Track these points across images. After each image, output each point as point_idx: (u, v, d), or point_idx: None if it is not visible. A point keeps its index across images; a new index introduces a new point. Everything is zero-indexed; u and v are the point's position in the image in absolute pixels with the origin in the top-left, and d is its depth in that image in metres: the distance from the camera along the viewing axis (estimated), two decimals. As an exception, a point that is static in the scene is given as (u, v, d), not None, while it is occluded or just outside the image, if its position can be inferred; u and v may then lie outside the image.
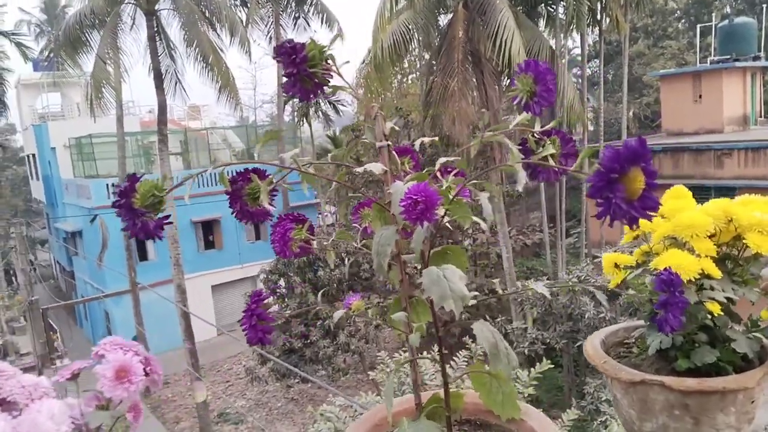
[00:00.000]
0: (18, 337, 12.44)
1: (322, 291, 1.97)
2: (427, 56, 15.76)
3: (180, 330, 13.85)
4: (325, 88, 0.95)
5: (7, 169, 32.24)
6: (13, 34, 22.05)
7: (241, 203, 1.02)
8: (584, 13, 13.81)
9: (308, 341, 13.08)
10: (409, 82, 20.13)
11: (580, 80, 17.14)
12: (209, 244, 20.73)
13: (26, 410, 0.58)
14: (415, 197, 0.73)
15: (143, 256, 19.71)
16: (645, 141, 0.59)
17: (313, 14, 20.04)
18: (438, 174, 1.00)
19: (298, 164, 0.87)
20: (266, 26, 19.67)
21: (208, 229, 20.41)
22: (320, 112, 19.25)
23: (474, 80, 13.76)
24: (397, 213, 0.80)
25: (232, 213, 1.02)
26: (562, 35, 15.07)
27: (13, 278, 24.49)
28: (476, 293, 0.91)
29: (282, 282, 13.81)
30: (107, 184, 18.74)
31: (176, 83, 14.61)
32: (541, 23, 14.96)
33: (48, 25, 26.10)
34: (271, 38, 19.85)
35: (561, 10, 14.39)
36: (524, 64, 0.77)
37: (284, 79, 0.95)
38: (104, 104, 14.30)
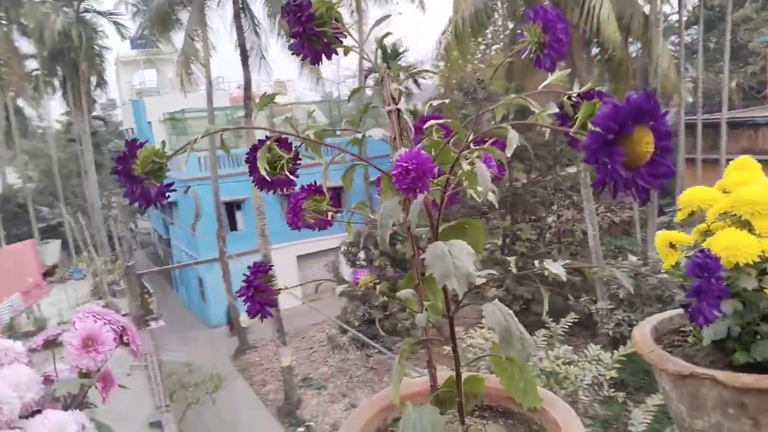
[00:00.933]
0: (119, 299, 13.39)
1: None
2: (511, 26, 15.20)
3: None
4: (335, 47, 0.90)
5: (109, 143, 34.37)
6: (111, 13, 23.25)
7: (259, 172, 0.98)
8: (684, -27, 12.82)
9: (388, 313, 13.23)
10: (493, 53, 19.55)
11: (677, 48, 15.98)
12: (295, 216, 21.29)
13: (-6, 376, 0.57)
14: (406, 165, 0.66)
15: (233, 226, 20.53)
16: (653, 94, 0.49)
17: (395, -16, 19.81)
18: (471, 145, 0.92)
19: (295, 129, 0.82)
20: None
21: (295, 201, 20.98)
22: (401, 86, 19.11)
23: (561, 49, 13.17)
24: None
25: (252, 182, 0.99)
26: (658, 0, 14.05)
27: (116, 245, 26.29)
28: (490, 272, 0.84)
29: (362, 254, 13.99)
30: (198, 158, 19.57)
31: (261, 58, 14.95)
32: (636, -14, 14.00)
33: (144, 4, 27.34)
34: (353, 11, 19.83)
35: (658, -29, 13.41)
36: (532, 12, 0.68)
37: (292, 40, 0.90)
38: (194, 80, 14.88)
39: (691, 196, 1.02)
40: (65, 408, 0.60)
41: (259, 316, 0.83)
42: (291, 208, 0.98)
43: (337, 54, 0.92)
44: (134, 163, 0.82)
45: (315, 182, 1.05)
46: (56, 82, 25.11)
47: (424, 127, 0.97)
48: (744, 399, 0.93)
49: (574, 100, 0.88)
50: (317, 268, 20.55)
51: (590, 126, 0.49)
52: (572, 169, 15.28)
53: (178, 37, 15.39)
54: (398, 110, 0.84)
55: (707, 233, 1.05)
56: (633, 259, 0.94)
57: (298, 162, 0.99)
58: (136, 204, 0.84)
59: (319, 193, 1.05)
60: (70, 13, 22.10)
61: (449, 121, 0.76)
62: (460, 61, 13.79)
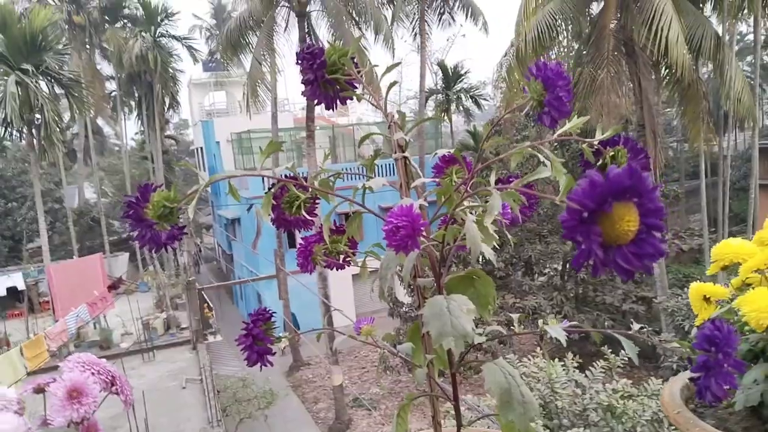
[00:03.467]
0: (180, 313, 13.83)
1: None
2: (576, 46, 14.95)
3: (321, 315, 14.53)
4: (347, 94, 0.90)
5: (180, 160, 35.86)
6: (185, 38, 24.36)
7: (278, 211, 0.99)
8: (758, -7, 12.29)
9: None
10: (557, 74, 19.22)
11: (752, 68, 15.26)
12: (352, 235, 21.48)
13: (-14, 422, 0.59)
14: (395, 222, 0.65)
15: (292, 243, 20.90)
16: (636, 170, 0.46)
17: (457, 9, 19.88)
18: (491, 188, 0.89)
19: (298, 177, 0.82)
20: (411, 23, 19.85)
21: (352, 221, 21.17)
22: (461, 107, 19.06)
23: (626, 71, 12.83)
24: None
25: (271, 220, 1.00)
26: (732, 19, 13.51)
27: (179, 259, 27.21)
28: (496, 329, 0.81)
29: (416, 276, 13.92)
30: (262, 177, 20.07)
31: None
32: (708, 7, 13.52)
33: (216, 29, 28.54)
34: (416, 34, 20.01)
35: (730, -9, 12.91)
36: (534, 67, 0.65)
37: (304, 86, 0.90)
38: (260, 102, 15.34)
39: (724, 249, 0.96)
40: (53, 456, 0.61)
41: (259, 365, 0.83)
42: (301, 252, 0.98)
43: (351, 100, 0.92)
44: (146, 207, 0.84)
45: (335, 223, 1.05)
46: (132, 103, 26.50)
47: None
48: (778, 474, 0.86)
49: (596, 147, 0.84)
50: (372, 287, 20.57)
51: (567, 202, 0.46)
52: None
53: (247, 61, 15.94)
54: (405, 158, 0.83)
55: (742, 288, 0.98)
56: (662, 297, 0.88)
57: (315, 203, 0.99)
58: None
59: (337, 233, 1.05)
60: (147, 38, 23.32)
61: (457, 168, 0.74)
62: (521, 83, 13.62)
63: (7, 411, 0.62)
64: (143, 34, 23.43)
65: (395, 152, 0.83)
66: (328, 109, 0.95)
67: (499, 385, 0.74)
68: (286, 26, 15.21)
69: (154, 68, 23.04)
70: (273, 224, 1.02)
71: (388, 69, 0.90)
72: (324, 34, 14.99)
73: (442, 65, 24.20)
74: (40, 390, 0.65)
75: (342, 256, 1.06)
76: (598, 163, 0.85)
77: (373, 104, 0.86)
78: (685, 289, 13.15)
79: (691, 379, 0.63)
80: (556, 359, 4.91)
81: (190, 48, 25.06)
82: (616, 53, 12.08)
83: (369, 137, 0.91)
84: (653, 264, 0.48)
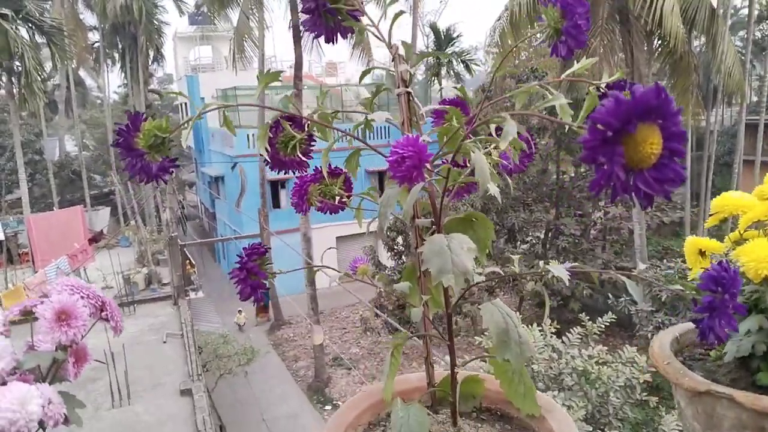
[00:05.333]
0: (162, 268, 13.78)
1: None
2: (569, 14, 14.76)
3: (304, 276, 14.58)
4: (348, 26, 0.86)
5: (163, 116, 35.21)
6: (171, -12, 23.64)
7: (273, 151, 0.96)
8: (756, -34, 12.18)
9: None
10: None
11: (743, 44, 15.24)
12: (336, 197, 21.44)
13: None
14: (401, 152, 0.63)
15: (276, 204, 20.81)
16: (663, 89, 0.44)
17: (452, -31, 19.45)
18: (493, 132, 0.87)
19: (299, 109, 0.79)
20: (406, -19, 19.44)
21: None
22: (452, 71, 18.85)
23: (620, 40, 12.73)
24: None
25: (265, 161, 0.97)
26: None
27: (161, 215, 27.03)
28: (494, 269, 0.80)
29: (400, 239, 13.98)
30: (248, 135, 19.84)
31: (313, 39, 14.95)
32: (704, -23, 13.38)
33: (203, -19, 27.72)
34: (408, -6, 19.62)
35: (729, -37, 12.78)
36: (551, -6, 0.62)
37: (304, 16, 0.86)
38: (247, 58, 15.03)
39: (724, 201, 0.95)
40: (42, 380, 0.59)
41: (252, 299, 0.81)
42: (296, 191, 0.96)
43: (352, 33, 0.88)
44: (137, 136, 0.81)
45: (331, 166, 1.02)
46: (116, 55, 25.82)
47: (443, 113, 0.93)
48: (764, 423, 0.87)
49: (603, 90, 0.82)
50: (356, 250, 20.67)
51: (589, 121, 0.44)
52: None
53: (234, 15, 15.56)
54: (408, 93, 0.80)
55: (740, 242, 0.98)
56: (642, 266, 0.88)
57: (311, 143, 0.96)
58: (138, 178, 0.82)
59: (332, 176, 1.02)
60: (132, -13, 22.60)
61: (449, 107, 0.71)
62: (514, 49, 13.49)
63: (-6, 332, 0.59)
64: (128, -18, 22.68)
65: (398, 86, 0.80)
66: (328, 42, 0.91)
67: (497, 325, 0.73)
68: (276, -20, 14.84)
69: (138, 19, 22.39)
70: (267, 165, 0.99)
71: (397, 15, 0.86)
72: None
73: (434, 27, 23.84)
74: (27, 312, 0.63)
75: (337, 199, 1.04)
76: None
77: (377, 36, 0.83)
78: (665, 260, 13.37)
79: (693, 321, 0.62)
80: (535, 324, 4.98)
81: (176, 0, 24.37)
82: (610, 22, 11.96)
83: (370, 72, 0.88)
84: (671, 191, 0.47)
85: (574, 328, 5.04)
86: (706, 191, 14.08)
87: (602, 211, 16.15)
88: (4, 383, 0.54)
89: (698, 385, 0.91)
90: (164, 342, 9.53)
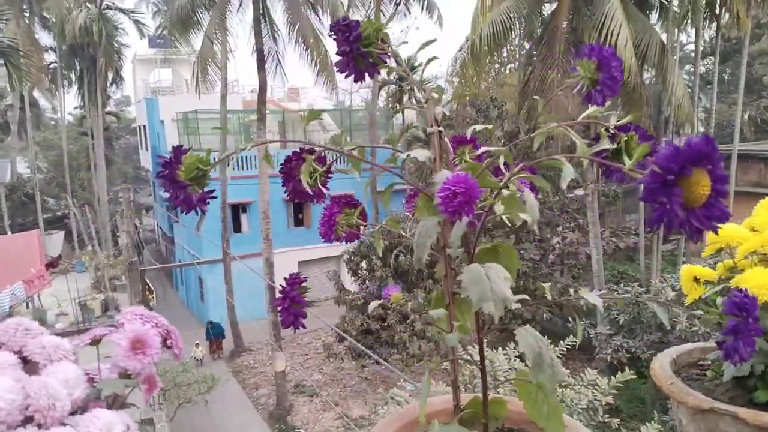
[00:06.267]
0: (119, 294, 13.41)
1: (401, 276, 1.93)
2: (527, 46, 15.28)
3: (265, 301, 14.42)
4: (379, 68, 0.91)
5: (120, 138, 34.57)
6: (132, 12, 23.45)
7: (293, 182, 1.00)
8: (701, 6, 12.87)
9: (385, 324, 13.21)
10: (507, 72, 19.64)
11: (691, 77, 16.01)
12: (299, 222, 21.35)
13: (44, 371, 0.59)
14: (453, 188, 0.68)
15: (237, 228, 20.57)
16: (712, 140, 0.51)
17: (413, 0, 19.95)
18: (501, 167, 0.93)
19: (342, 146, 0.84)
20: (367, 11, 19.78)
21: (299, 207, 21.00)
22: (414, 99, 19.15)
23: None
24: (436, 202, 0.75)
25: (285, 192, 1.01)
26: (675, 29, 14.13)
27: (119, 240, 26.37)
28: (522, 296, 0.85)
29: (363, 264, 13.99)
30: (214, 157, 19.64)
31: (277, 65, 15.04)
32: (654, 16, 14.08)
33: (164, 4, 27.62)
34: (371, 22, 19.93)
35: (675, 2, 13.48)
36: (587, 48, 0.69)
37: (337, 58, 0.91)
38: (210, 82, 14.97)
39: (721, 233, 1.03)
40: (108, 407, 0.61)
41: (292, 327, 0.84)
42: (325, 222, 0.99)
43: (380, 74, 0.94)
44: (179, 168, 0.84)
45: (346, 195, 1.06)
46: (73, 76, 25.33)
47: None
48: (764, 438, 0.94)
49: (612, 131, 0.89)
50: (319, 275, 20.57)
51: (651, 166, 0.50)
52: (580, 192, 15.30)
53: (196, 39, 15.52)
54: (440, 132, 0.85)
55: (734, 270, 1.06)
56: (637, 288, 0.95)
57: (329, 176, 1.00)
58: (181, 208, 0.85)
59: (350, 206, 1.07)
60: (92, 9, 22.32)
61: (500, 149, 0.77)
62: (474, 79, 13.85)
63: (66, 361, 0.61)
64: (88, 4, 22.41)
65: (431, 126, 0.85)
66: (356, 81, 0.96)
67: (532, 349, 0.78)
68: (240, 5, 14.89)
69: (98, 41, 22.09)
70: (288, 195, 1.02)
71: (424, 44, 0.92)
72: (279, 16, 14.76)
73: (395, 55, 24.17)
74: (96, 341, 0.65)
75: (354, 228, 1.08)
76: (613, 147, 0.90)
77: (406, 78, 0.88)
78: (621, 284, 13.75)
79: (718, 344, 0.69)
80: (499, 348, 5.07)
81: (137, 22, 24.17)
82: (567, 55, 12.42)
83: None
84: (718, 227, 0.53)
85: (509, 345, 5.13)
86: (659, 217, 14.59)
87: (560, 236, 16.55)
88: (84, 409, 0.56)
89: (702, 403, 0.98)
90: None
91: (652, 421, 4.78)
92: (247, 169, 18.97)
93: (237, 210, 20.25)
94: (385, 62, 0.93)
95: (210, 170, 0.86)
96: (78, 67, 24.30)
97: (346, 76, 0.95)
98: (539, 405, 0.88)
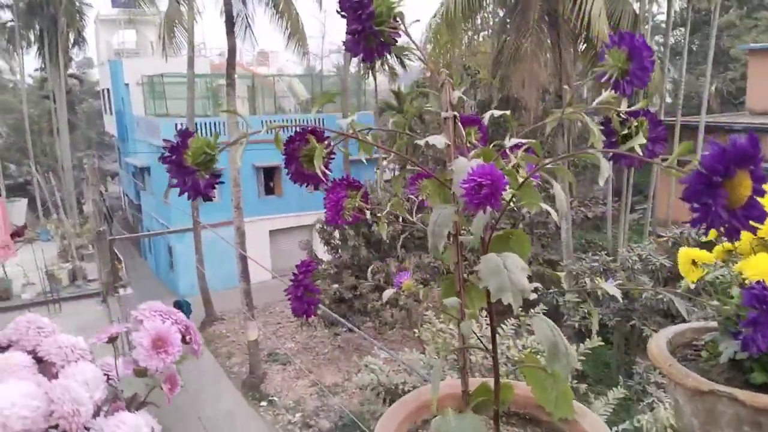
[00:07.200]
0: (86, 264, 13.15)
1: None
2: (501, 13, 15.18)
3: (237, 270, 14.34)
4: (390, 48, 0.88)
5: (83, 102, 33.49)
6: (95, -31, 22.46)
7: (296, 164, 0.97)
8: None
9: (358, 293, 13.29)
10: (481, 39, 19.50)
11: (662, 48, 16.16)
12: (270, 190, 21.12)
13: (62, 373, 0.56)
14: (479, 180, 0.66)
15: (208, 196, 20.23)
16: (757, 140, 0.50)
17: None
18: (507, 150, 0.92)
19: (356, 131, 0.82)
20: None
21: (270, 176, 20.74)
22: (386, 66, 18.95)
23: (548, 41, 13.21)
24: (457, 192, 0.73)
25: (287, 174, 0.98)
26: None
27: (85, 208, 25.80)
28: (537, 285, 0.85)
29: (336, 233, 13.97)
30: (176, 124, 19.22)
31: (246, 28, 14.66)
32: (627, -15, 14.08)
33: (128, -38, 26.54)
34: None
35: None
36: (617, 37, 0.68)
37: (347, 37, 0.88)
38: (176, 44, 14.55)
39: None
40: (127, 408, 0.59)
41: (305, 315, 0.82)
42: (332, 206, 0.97)
43: (390, 53, 0.91)
44: (186, 153, 0.80)
45: (345, 177, 1.05)
46: (32, 36, 24.28)
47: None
48: (760, 418, 0.96)
49: (623, 116, 0.89)
50: (290, 244, 20.49)
51: (696, 166, 0.50)
52: (558, 183, 15.44)
53: (162, -1, 15.02)
54: (455, 116, 0.83)
55: (732, 253, 1.08)
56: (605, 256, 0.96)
57: (331, 157, 0.98)
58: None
59: (352, 188, 1.05)
60: (50, -35, 21.34)
61: (532, 141, 0.76)
62: (448, 45, 13.74)
63: (84, 360, 0.59)
64: (46, -40, 21.40)
65: (446, 110, 0.83)
66: (365, 62, 0.93)
67: (548, 338, 0.78)
68: (209, -34, 14.42)
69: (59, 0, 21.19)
70: (290, 178, 1.00)
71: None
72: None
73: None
74: (112, 339, 0.62)
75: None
76: (622, 132, 0.90)
77: (420, 59, 0.86)
78: (588, 253, 14.04)
79: (734, 334, 0.70)
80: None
81: (98, -20, 23.19)
82: (540, 23, 12.39)
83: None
84: (757, 228, 0.53)
85: (508, 320, 5.25)
86: (627, 188, 14.88)
87: (531, 206, 16.69)
88: (98, 413, 0.54)
89: (701, 385, 1.00)
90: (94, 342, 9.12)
91: (618, 386, 4.96)
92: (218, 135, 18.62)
93: (218, 174, 19.92)
94: (396, 42, 0.90)
95: (218, 154, 0.83)
96: (38, 27, 23.30)
97: (354, 55, 0.92)
98: (548, 391, 0.89)
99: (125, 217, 28.94)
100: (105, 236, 9.70)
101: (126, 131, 24.72)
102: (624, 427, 4.47)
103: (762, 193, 0.53)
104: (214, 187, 0.84)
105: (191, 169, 0.80)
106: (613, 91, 0.72)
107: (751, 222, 0.52)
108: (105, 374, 0.63)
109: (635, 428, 4.37)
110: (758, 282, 0.69)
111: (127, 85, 23.59)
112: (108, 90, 26.63)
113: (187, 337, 0.66)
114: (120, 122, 25.52)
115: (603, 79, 0.70)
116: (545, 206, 0.76)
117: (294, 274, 0.84)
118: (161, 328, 0.61)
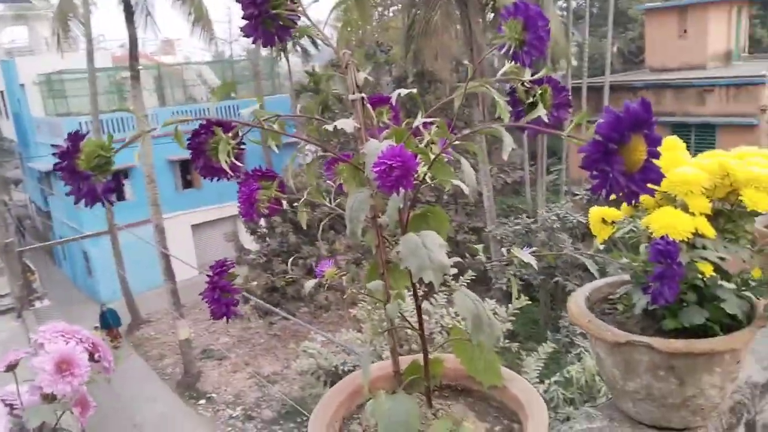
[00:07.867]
0: (-5, 279, 12.36)
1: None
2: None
3: (160, 269, 13.86)
4: (290, 31, 0.86)
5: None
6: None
7: (204, 158, 0.93)
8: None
9: (291, 279, 13.17)
10: (391, 15, 19.50)
11: (565, 13, 16.72)
12: (188, 183, 20.43)
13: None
14: (389, 162, 0.66)
15: (120, 196, 19.37)
16: (649, 104, 0.52)
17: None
18: (420, 127, 0.92)
19: (260, 120, 0.79)
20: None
21: (186, 168, 20.03)
22: (298, 47, 18.63)
23: (457, 13, 13.37)
24: (370, 176, 0.72)
25: (196, 169, 0.94)
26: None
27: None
28: (457, 259, 0.86)
29: (262, 221, 13.75)
30: (80, 123, 18.16)
31: (147, 15, 13.96)
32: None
33: (8, -48, 24.65)
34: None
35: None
36: (513, 7, 0.68)
37: (244, 22, 0.85)
38: (72, 39, 13.70)
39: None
40: (38, 436, 0.55)
41: (225, 317, 0.80)
42: (245, 200, 0.94)
43: (291, 37, 0.88)
44: (78, 157, 0.75)
45: (260, 167, 1.01)
46: None
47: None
48: (673, 362, 1.03)
49: (527, 86, 0.90)
50: (215, 237, 19.97)
51: (592, 134, 0.51)
52: (467, 131, 15.77)
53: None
54: (362, 98, 0.82)
55: (638, 208, 1.13)
56: (525, 219, 0.99)
57: (241, 148, 0.95)
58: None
59: (266, 179, 1.01)
60: None
61: (439, 120, 0.75)
62: (359, 23, 13.65)
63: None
64: None
65: (353, 92, 0.82)
66: (265, 46, 0.90)
67: (470, 310, 0.79)
68: (98, -48, 13.59)
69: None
70: (199, 172, 0.96)
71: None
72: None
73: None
74: (11, 367, 0.57)
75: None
76: (527, 101, 0.91)
77: (323, 42, 0.84)
78: (510, 217, 14.50)
79: (643, 288, 0.73)
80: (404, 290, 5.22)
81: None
82: (447, -4, 12.51)
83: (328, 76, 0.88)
84: (654, 190, 0.55)
85: (440, 290, 5.35)
86: (542, 151, 15.42)
87: (452, 176, 17.02)
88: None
89: (619, 338, 1.05)
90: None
91: (547, 342, 5.20)
92: (125, 131, 17.72)
93: (117, 176, 19.01)
94: (296, 24, 0.87)
95: (113, 156, 0.78)
96: None
97: (254, 41, 0.88)
98: (476, 361, 0.91)
99: (34, 225, 27.28)
100: (13, 248, 9.12)
101: (26, 135, 23.16)
102: (555, 379, 4.69)
103: (657, 155, 0.55)
104: (115, 191, 0.79)
105: (85, 174, 0.75)
106: (514, 63, 0.72)
107: (648, 185, 0.54)
108: (8, 405, 0.58)
109: (566, 379, 4.59)
110: (662, 237, 0.73)
111: (22, 85, 22.03)
112: (2, 92, 24.80)
113: (96, 355, 0.62)
114: (19, 125, 23.86)
115: (502, 51, 0.70)
116: (457, 182, 0.76)
117: (208, 275, 0.81)
118: (64, 350, 0.57)
